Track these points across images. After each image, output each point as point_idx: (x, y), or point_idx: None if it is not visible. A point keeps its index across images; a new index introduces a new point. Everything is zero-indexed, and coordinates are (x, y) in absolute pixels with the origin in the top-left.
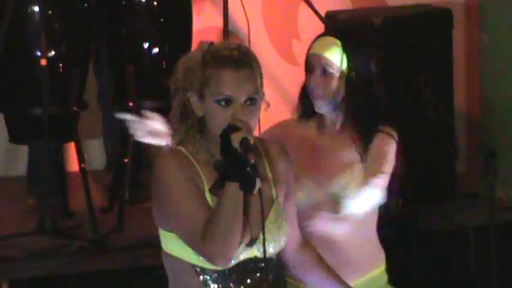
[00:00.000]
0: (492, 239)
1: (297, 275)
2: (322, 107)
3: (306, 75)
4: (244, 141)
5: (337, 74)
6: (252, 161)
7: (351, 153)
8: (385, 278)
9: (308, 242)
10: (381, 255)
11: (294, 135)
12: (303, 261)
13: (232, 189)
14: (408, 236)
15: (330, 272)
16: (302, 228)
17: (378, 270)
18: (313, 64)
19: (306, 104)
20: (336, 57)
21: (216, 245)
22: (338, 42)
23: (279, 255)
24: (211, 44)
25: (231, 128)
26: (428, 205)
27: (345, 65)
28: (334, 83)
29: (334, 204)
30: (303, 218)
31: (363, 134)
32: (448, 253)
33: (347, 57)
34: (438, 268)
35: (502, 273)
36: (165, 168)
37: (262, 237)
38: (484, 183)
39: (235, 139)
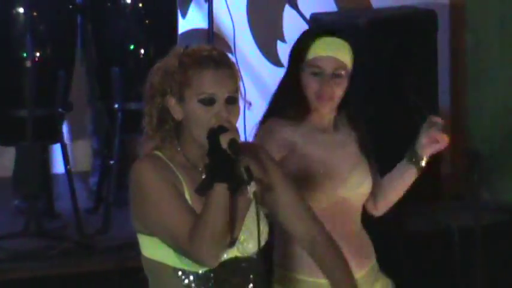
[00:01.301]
0: (477, 240)
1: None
2: (330, 108)
3: (304, 76)
4: (232, 142)
5: (345, 75)
6: (246, 164)
7: (354, 148)
8: (377, 268)
9: (326, 240)
10: (371, 248)
11: (294, 136)
12: (315, 253)
13: (221, 189)
14: (393, 237)
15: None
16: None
17: (375, 259)
18: (321, 66)
19: (302, 107)
20: (347, 59)
21: (204, 246)
22: (346, 43)
23: (259, 254)
24: (186, 47)
25: (219, 129)
26: (413, 206)
27: (350, 66)
28: (345, 85)
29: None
30: (325, 216)
31: (358, 127)
32: (432, 254)
33: (353, 59)
34: (423, 269)
35: (486, 274)
36: (143, 172)
37: (242, 237)
38: (469, 184)
39: (224, 140)
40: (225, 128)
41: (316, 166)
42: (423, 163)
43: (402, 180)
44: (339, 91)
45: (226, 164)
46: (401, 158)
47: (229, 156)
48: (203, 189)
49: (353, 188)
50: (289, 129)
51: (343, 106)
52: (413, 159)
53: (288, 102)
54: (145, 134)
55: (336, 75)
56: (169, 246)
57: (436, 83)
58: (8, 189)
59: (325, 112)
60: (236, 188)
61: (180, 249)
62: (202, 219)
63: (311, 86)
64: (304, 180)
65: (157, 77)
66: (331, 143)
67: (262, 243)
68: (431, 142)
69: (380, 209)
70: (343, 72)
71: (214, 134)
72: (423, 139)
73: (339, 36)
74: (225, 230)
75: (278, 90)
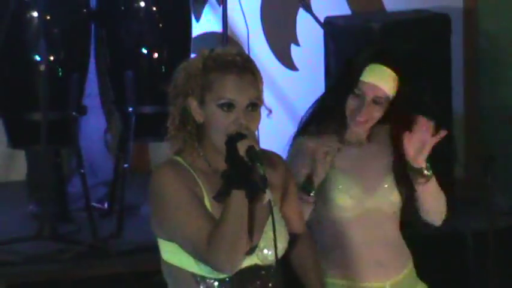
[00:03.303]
0: (491, 245)
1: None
2: (362, 130)
3: (342, 94)
4: (250, 149)
5: (385, 103)
6: (262, 172)
7: (387, 160)
8: (414, 274)
9: (307, 236)
10: (408, 254)
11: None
12: (296, 262)
13: (238, 197)
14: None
15: (316, 274)
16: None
17: (408, 268)
18: (363, 91)
19: (337, 125)
20: (390, 90)
21: (222, 253)
22: (394, 75)
23: (280, 262)
24: (212, 50)
25: (237, 136)
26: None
27: (392, 93)
28: (381, 112)
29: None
30: (357, 224)
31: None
32: (446, 258)
33: (399, 87)
34: (436, 273)
35: (500, 278)
36: (162, 178)
37: (261, 244)
38: (483, 188)
39: (242, 147)
40: (243, 134)
41: (346, 178)
42: (427, 171)
43: (423, 194)
44: (376, 115)
45: (243, 171)
46: None
47: (247, 163)
48: (221, 196)
49: (384, 196)
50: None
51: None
52: (418, 175)
53: (327, 117)
54: (169, 134)
55: (375, 102)
56: (188, 252)
57: (449, 87)
58: (22, 193)
59: (359, 132)
60: (254, 195)
61: (198, 256)
62: (219, 226)
63: (350, 104)
64: (335, 191)
65: (180, 78)
66: (363, 154)
67: (282, 251)
68: (420, 147)
69: (428, 217)
70: (382, 100)
71: (232, 141)
72: (409, 151)
73: (390, 65)
74: (242, 237)
75: (319, 105)
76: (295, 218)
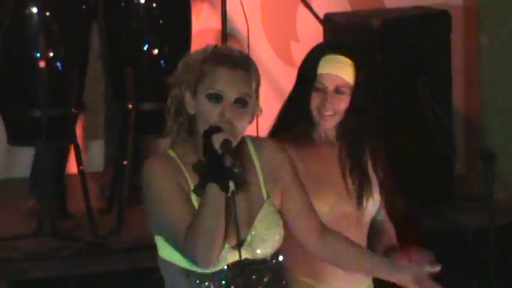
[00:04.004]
0: (491, 241)
1: (330, 262)
2: (331, 125)
3: (307, 92)
4: (225, 143)
5: (348, 93)
6: (228, 164)
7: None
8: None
9: (328, 228)
10: None
11: (296, 152)
12: (330, 248)
13: (213, 190)
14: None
15: (364, 253)
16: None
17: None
18: (324, 84)
19: (306, 122)
20: (350, 77)
21: (197, 247)
22: (350, 62)
23: (276, 257)
24: (216, 46)
25: (214, 129)
26: (426, 207)
27: (353, 81)
28: (347, 102)
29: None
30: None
31: (355, 150)
32: (446, 255)
33: (357, 75)
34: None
35: (500, 275)
36: (150, 171)
37: (249, 239)
38: (483, 185)
39: (217, 140)
40: (220, 128)
41: (319, 180)
42: None
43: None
44: (341, 106)
45: (216, 164)
46: (412, 157)
47: (220, 157)
48: (199, 190)
49: (359, 203)
50: (292, 145)
51: (351, 117)
52: None
53: (294, 119)
54: (167, 125)
55: (337, 91)
56: (171, 246)
57: (449, 84)
58: (21, 190)
59: (328, 127)
60: (227, 189)
61: (179, 250)
62: (195, 220)
63: (314, 101)
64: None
65: (179, 69)
66: (335, 155)
67: (276, 246)
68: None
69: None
70: (345, 90)
71: (207, 134)
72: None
73: (345, 53)
74: (219, 231)
75: (285, 108)
76: (303, 211)
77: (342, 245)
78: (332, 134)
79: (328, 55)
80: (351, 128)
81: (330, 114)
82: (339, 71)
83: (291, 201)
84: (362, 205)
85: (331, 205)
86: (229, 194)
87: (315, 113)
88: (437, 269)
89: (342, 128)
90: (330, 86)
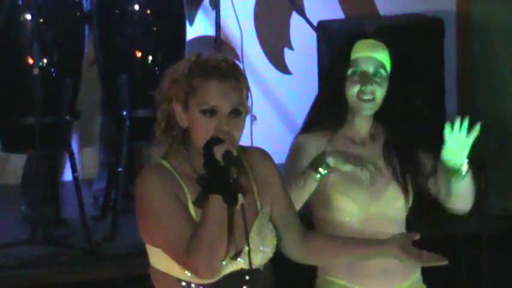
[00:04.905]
0: (483, 248)
1: (318, 262)
2: (370, 110)
3: (342, 80)
4: (227, 154)
5: (385, 76)
6: (235, 176)
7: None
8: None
9: (308, 231)
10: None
11: (327, 149)
12: (311, 247)
13: (216, 202)
14: None
15: (344, 240)
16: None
17: (416, 276)
18: (359, 65)
19: (339, 117)
20: (384, 58)
21: (201, 258)
22: (382, 44)
23: (268, 266)
24: (198, 55)
25: (214, 140)
26: (419, 213)
27: (389, 65)
28: (383, 89)
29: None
30: (359, 228)
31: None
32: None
33: (391, 61)
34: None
35: (492, 282)
36: (146, 183)
37: (246, 249)
38: (476, 192)
39: (218, 151)
40: (220, 139)
41: (349, 179)
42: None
43: (456, 185)
44: (379, 93)
45: (219, 176)
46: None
47: (223, 168)
48: (200, 201)
49: (389, 202)
50: (322, 143)
51: (382, 116)
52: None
53: (326, 113)
54: (156, 139)
55: (375, 74)
56: (170, 257)
57: (442, 91)
58: (15, 197)
59: (367, 114)
60: (232, 200)
61: (179, 261)
62: (198, 231)
63: (350, 88)
64: (337, 193)
65: (166, 83)
66: (366, 155)
67: (271, 256)
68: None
69: (458, 206)
70: (383, 72)
71: (209, 145)
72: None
73: (375, 38)
74: (222, 242)
75: (317, 102)
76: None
77: (321, 240)
78: (365, 132)
79: (361, 40)
80: (398, 128)
81: (369, 98)
82: (375, 52)
83: (278, 207)
84: (407, 202)
85: (360, 204)
86: (237, 207)
87: (352, 102)
88: (417, 236)
89: (387, 128)
90: (368, 68)
